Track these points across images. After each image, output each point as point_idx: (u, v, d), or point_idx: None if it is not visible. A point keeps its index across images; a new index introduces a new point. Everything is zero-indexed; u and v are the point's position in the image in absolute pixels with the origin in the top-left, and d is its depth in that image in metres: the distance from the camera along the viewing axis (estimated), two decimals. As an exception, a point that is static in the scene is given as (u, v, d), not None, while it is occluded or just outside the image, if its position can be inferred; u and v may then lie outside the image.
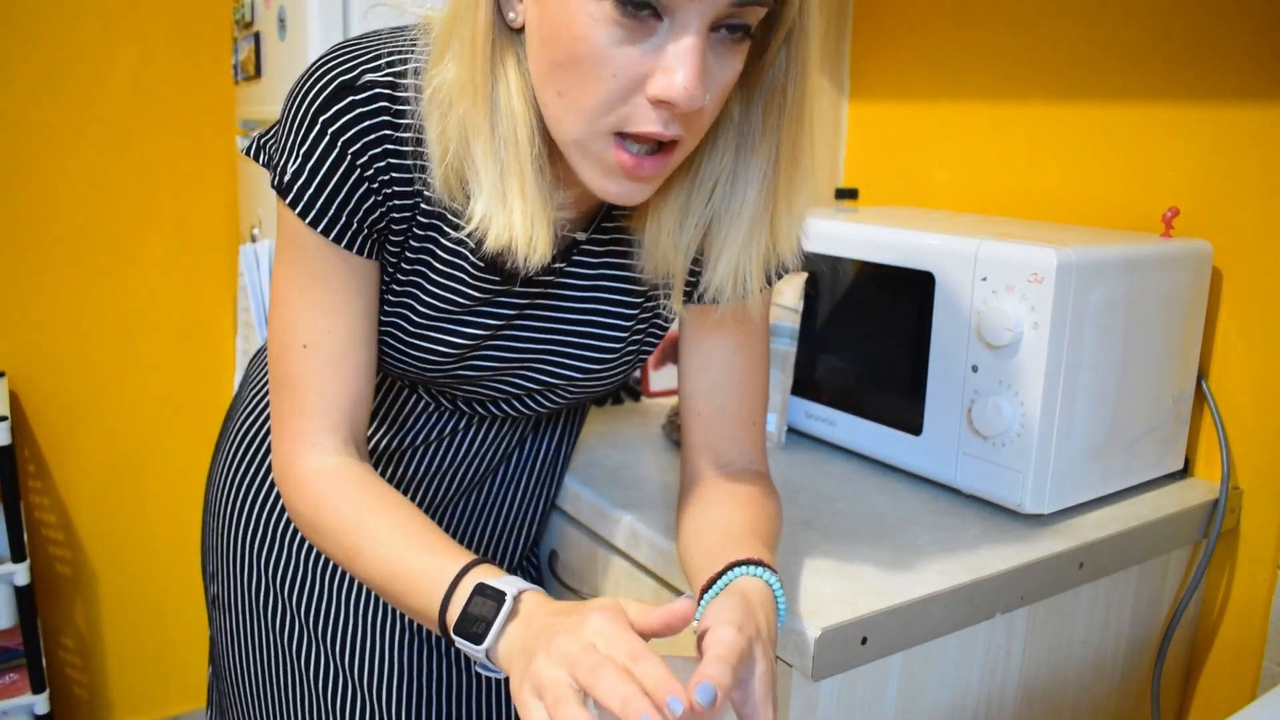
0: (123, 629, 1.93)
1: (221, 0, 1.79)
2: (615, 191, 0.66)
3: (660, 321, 0.86)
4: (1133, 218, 1.15)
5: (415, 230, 0.74)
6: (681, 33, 0.59)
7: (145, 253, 1.84)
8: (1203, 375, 1.08)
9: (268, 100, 1.47)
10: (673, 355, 1.34)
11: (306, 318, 0.73)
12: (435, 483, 0.93)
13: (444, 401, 0.88)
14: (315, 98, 0.68)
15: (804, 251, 0.77)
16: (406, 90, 0.68)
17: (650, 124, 0.61)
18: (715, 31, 0.61)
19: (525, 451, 0.98)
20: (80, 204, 1.76)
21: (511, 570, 1.03)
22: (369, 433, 0.89)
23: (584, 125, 0.63)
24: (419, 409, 0.89)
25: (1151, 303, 0.98)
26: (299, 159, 0.69)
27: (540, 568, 1.11)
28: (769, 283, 0.79)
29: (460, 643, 0.62)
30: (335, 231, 0.71)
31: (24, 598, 1.60)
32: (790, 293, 1.15)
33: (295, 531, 0.91)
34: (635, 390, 1.35)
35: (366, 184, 0.70)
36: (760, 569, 0.67)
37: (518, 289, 0.78)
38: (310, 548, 0.91)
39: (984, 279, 0.94)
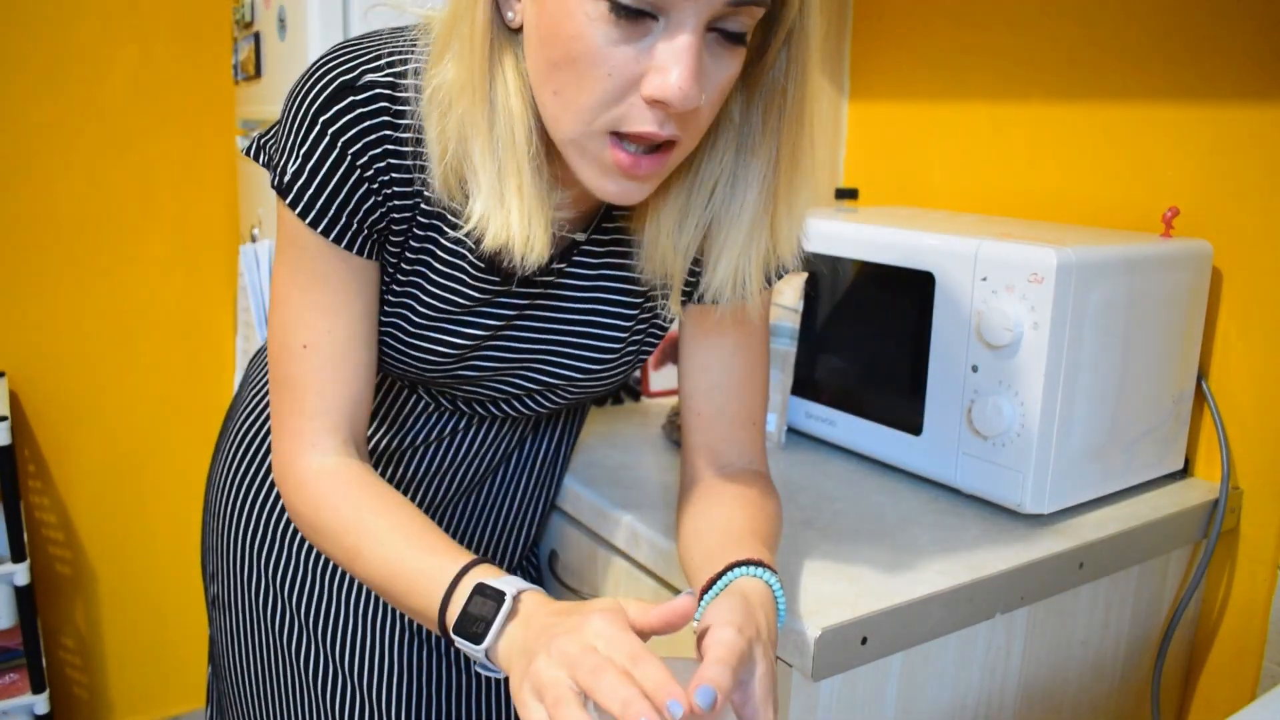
0: (123, 629, 1.93)
1: (221, 0, 1.79)
2: (613, 191, 0.65)
3: (660, 322, 0.86)
4: (1133, 218, 1.15)
5: (415, 231, 0.74)
6: (676, 32, 0.59)
7: (145, 253, 1.84)
8: (1203, 375, 1.08)
9: (268, 100, 1.47)
10: (673, 355, 1.34)
11: (306, 318, 0.73)
12: (435, 483, 0.93)
13: (444, 402, 0.88)
14: (315, 98, 0.68)
15: (804, 251, 0.77)
16: (406, 90, 0.68)
17: (646, 124, 0.61)
18: (712, 32, 0.61)
19: (525, 452, 0.98)
20: (80, 204, 1.76)
21: (511, 570, 1.03)
22: (369, 433, 0.89)
23: (580, 124, 0.63)
24: (419, 409, 0.89)
25: (1151, 303, 0.98)
26: (299, 159, 0.69)
27: (540, 568, 1.11)
28: (768, 284, 0.79)
29: (460, 643, 0.62)
30: (335, 232, 0.71)
31: (24, 598, 1.60)
32: (790, 293, 1.15)
33: (295, 531, 0.91)
34: (635, 390, 1.35)
35: (366, 184, 0.70)
36: (760, 569, 0.67)
37: (517, 289, 0.78)
38: (310, 548, 0.91)
39: (984, 279, 0.94)
